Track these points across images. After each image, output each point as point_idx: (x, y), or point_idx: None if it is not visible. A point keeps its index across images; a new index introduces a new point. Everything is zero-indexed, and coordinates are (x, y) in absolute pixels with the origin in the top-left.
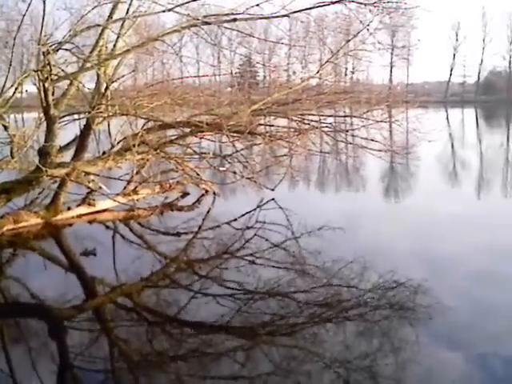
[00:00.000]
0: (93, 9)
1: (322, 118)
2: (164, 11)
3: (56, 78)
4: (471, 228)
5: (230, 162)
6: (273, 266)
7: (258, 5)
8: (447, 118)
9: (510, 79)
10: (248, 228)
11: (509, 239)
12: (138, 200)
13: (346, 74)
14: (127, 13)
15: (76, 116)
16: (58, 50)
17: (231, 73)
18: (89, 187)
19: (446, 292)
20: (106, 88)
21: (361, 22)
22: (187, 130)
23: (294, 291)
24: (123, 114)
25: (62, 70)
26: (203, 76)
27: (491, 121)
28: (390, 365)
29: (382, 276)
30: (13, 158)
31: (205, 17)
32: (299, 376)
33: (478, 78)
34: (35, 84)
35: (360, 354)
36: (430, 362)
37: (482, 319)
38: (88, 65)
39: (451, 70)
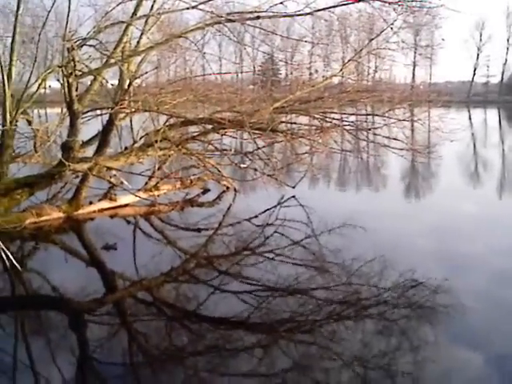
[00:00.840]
0: (117, 5)
1: (343, 116)
2: (188, 8)
3: (80, 73)
4: (492, 228)
5: (251, 159)
6: (292, 264)
7: (281, 2)
8: (470, 118)
9: None
10: (268, 225)
11: None
12: (159, 195)
13: (368, 73)
14: (151, 10)
15: (99, 111)
16: (82, 46)
17: (253, 70)
18: (110, 182)
19: (466, 292)
20: (129, 84)
21: (384, 20)
22: (209, 126)
23: (313, 289)
24: (146, 110)
25: (86, 66)
26: (226, 73)
27: None
28: (409, 364)
29: (402, 275)
30: (36, 152)
31: (228, 14)
32: (317, 373)
33: (502, 78)
34: (58, 79)
35: (378, 352)
36: (449, 361)
37: (502, 320)
38: (112, 61)
39: (474, 70)
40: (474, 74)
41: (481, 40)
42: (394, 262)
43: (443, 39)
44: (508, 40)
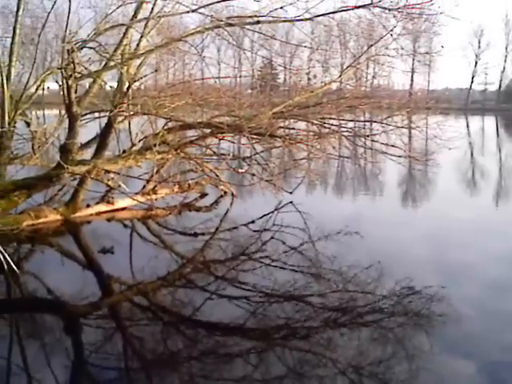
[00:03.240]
0: (117, 8)
1: (342, 122)
2: (188, 12)
3: (79, 75)
4: (489, 236)
5: (249, 164)
6: (289, 269)
7: (281, 7)
8: (467, 126)
9: None
10: (265, 230)
11: None
12: (156, 199)
13: (367, 79)
14: (151, 13)
15: (98, 114)
16: (82, 48)
17: (252, 75)
18: (108, 185)
19: (463, 300)
20: (129, 87)
21: (384, 27)
22: (208, 130)
23: (309, 295)
24: (145, 114)
25: (86, 68)
26: (225, 77)
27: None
28: (404, 372)
29: (398, 282)
30: (34, 154)
31: (228, 18)
32: (312, 380)
33: (500, 85)
34: (57, 81)
35: (374, 360)
36: (444, 370)
37: (497, 328)
38: (111, 63)
39: (473, 77)
40: (472, 82)
41: (479, 47)
42: (391, 269)
43: (442, 46)
44: (506, 48)
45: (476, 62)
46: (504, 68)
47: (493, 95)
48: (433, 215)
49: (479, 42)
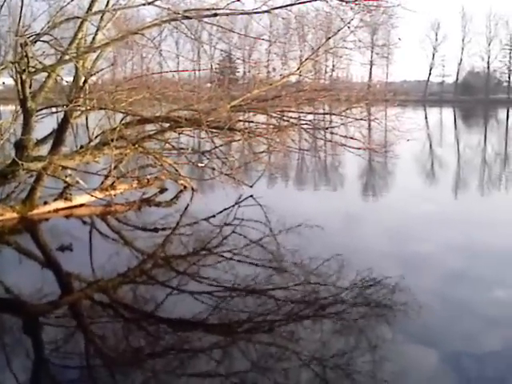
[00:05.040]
0: (72, 0)
1: (301, 115)
2: (144, 4)
3: (33, 70)
4: (447, 227)
5: (208, 158)
6: (250, 263)
7: (239, 0)
8: (426, 117)
9: (488, 80)
10: (226, 225)
11: (483, 238)
12: (115, 195)
13: (326, 72)
14: (107, 5)
15: (54, 109)
16: (35, 42)
17: (211, 68)
18: (66, 182)
19: (423, 290)
20: (85, 81)
21: (341, 19)
22: (166, 125)
23: (271, 288)
24: (101, 108)
25: (40, 63)
26: (183, 71)
27: (469, 121)
28: (367, 362)
29: (360, 274)
30: None
31: (185, 11)
32: (276, 374)
33: (457, 77)
34: (12, 76)
35: (337, 351)
36: (406, 359)
37: (457, 317)
38: (66, 57)
39: (430, 70)
40: (430, 74)
41: (436, 40)
42: (352, 261)
43: (399, 38)
44: (463, 40)
45: (433, 55)
46: (461, 60)
47: (450, 87)
48: (392, 207)
49: (436, 35)
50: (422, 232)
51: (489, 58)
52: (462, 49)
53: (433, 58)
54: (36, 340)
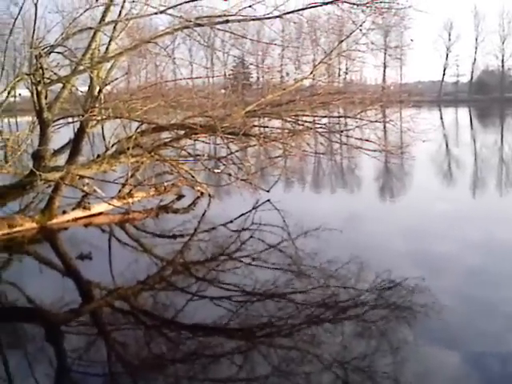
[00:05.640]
0: (85, 11)
1: (316, 118)
2: (156, 13)
3: (49, 81)
4: (466, 226)
5: (224, 164)
6: (269, 268)
7: (250, 6)
8: (441, 118)
9: (502, 78)
10: (244, 230)
11: (503, 237)
12: (133, 203)
13: (339, 75)
14: (119, 15)
15: (70, 119)
16: (50, 53)
17: (225, 74)
18: (83, 191)
19: (443, 291)
20: (100, 91)
21: (353, 22)
22: (181, 132)
23: (291, 292)
24: (117, 117)
25: (55, 74)
26: (196, 78)
27: (485, 120)
28: (388, 365)
29: (379, 276)
30: (7, 162)
31: (197, 18)
32: (297, 378)
33: (471, 77)
34: (28, 87)
35: (358, 354)
36: (428, 361)
37: (478, 318)
38: (81, 68)
39: (444, 70)
40: (444, 74)
41: (450, 40)
42: (371, 263)
43: (412, 40)
44: (476, 39)
45: (447, 55)
46: (475, 59)
47: (465, 87)
48: (410, 208)
49: (449, 35)
50: (440, 232)
51: (503, 56)
52: (476, 48)
53: (446, 58)
54: (58, 348)
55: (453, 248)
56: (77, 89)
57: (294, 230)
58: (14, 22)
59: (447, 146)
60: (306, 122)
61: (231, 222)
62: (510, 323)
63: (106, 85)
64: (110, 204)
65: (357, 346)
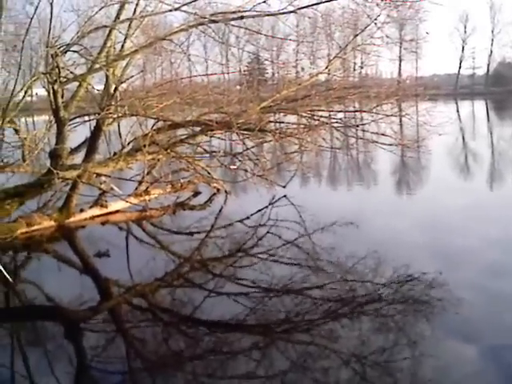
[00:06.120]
0: (100, 10)
1: (331, 113)
2: (171, 10)
3: (65, 80)
4: (484, 221)
5: (240, 160)
6: (286, 263)
7: (265, 1)
8: (457, 111)
9: None
10: (261, 226)
11: None
12: (149, 200)
13: (354, 69)
14: (134, 13)
15: (86, 118)
16: (66, 52)
17: (240, 71)
18: (100, 189)
19: (461, 285)
20: (115, 89)
21: (368, 16)
22: (197, 128)
23: (308, 288)
24: (133, 115)
25: (71, 72)
26: (212, 74)
27: (502, 112)
28: (407, 359)
29: (396, 270)
30: (24, 161)
31: (212, 15)
32: (316, 373)
33: (488, 69)
34: (45, 87)
35: (376, 349)
36: (446, 355)
37: (496, 312)
38: (96, 66)
39: (460, 62)
40: (460, 67)
41: (465, 32)
42: (388, 257)
43: (427, 33)
44: (492, 31)
45: (463, 47)
46: (491, 52)
47: (481, 79)
48: (427, 202)
49: (465, 27)
50: (458, 226)
51: None
52: (492, 40)
53: (462, 51)
54: (77, 346)
55: (470, 241)
56: (93, 87)
57: (311, 225)
58: (30, 22)
59: (464, 139)
60: (321, 116)
61: (248, 218)
62: None
63: (122, 83)
64: (126, 202)
65: (375, 340)
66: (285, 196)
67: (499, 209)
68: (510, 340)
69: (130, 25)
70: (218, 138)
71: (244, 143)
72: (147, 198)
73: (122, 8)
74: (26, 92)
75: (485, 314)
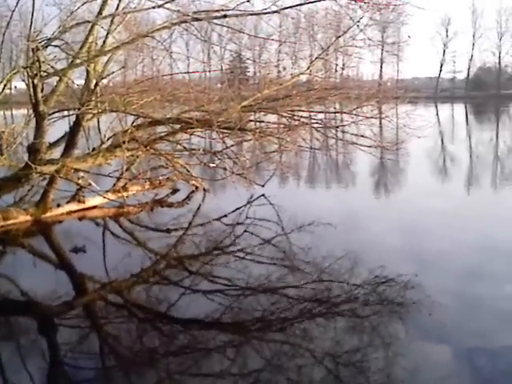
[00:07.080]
0: (82, 5)
1: (312, 114)
2: (154, 7)
3: (45, 74)
4: (460, 224)
5: (220, 159)
6: (263, 262)
7: (248, 1)
8: (437, 114)
9: (499, 75)
10: (238, 224)
11: (497, 234)
12: (127, 197)
13: (336, 70)
14: (117, 9)
15: (65, 113)
16: (47, 47)
17: (221, 69)
18: (78, 184)
19: (436, 288)
20: (96, 84)
21: (351, 18)
22: (177, 126)
23: (284, 287)
24: (113, 111)
25: (52, 67)
26: (193, 72)
27: (481, 116)
28: (380, 359)
29: (372, 271)
30: (2, 155)
31: (195, 13)
32: (290, 372)
33: (468, 73)
34: (24, 80)
35: (350, 348)
36: (419, 356)
37: (469, 314)
38: (77, 61)
39: (441, 66)
40: (441, 70)
41: (447, 36)
42: (364, 258)
43: (409, 36)
44: (474, 36)
45: (444, 51)
46: (472, 56)
47: (461, 83)
48: (405, 204)
49: (447, 31)
50: (434, 229)
51: (500, 53)
52: (473, 44)
53: (443, 55)
54: (51, 341)
55: (446, 245)
56: (73, 82)
57: (288, 224)
58: (12, 15)
59: (443, 142)
60: (301, 117)
61: (225, 216)
62: (500, 320)
63: (103, 78)
64: (104, 197)
65: (349, 340)
66: (263, 195)
67: (475, 212)
68: (480, 342)
69: (112, 20)
70: (198, 135)
71: (224, 142)
72: (125, 194)
73: (104, 3)
74: (5, 85)
75: (458, 317)
